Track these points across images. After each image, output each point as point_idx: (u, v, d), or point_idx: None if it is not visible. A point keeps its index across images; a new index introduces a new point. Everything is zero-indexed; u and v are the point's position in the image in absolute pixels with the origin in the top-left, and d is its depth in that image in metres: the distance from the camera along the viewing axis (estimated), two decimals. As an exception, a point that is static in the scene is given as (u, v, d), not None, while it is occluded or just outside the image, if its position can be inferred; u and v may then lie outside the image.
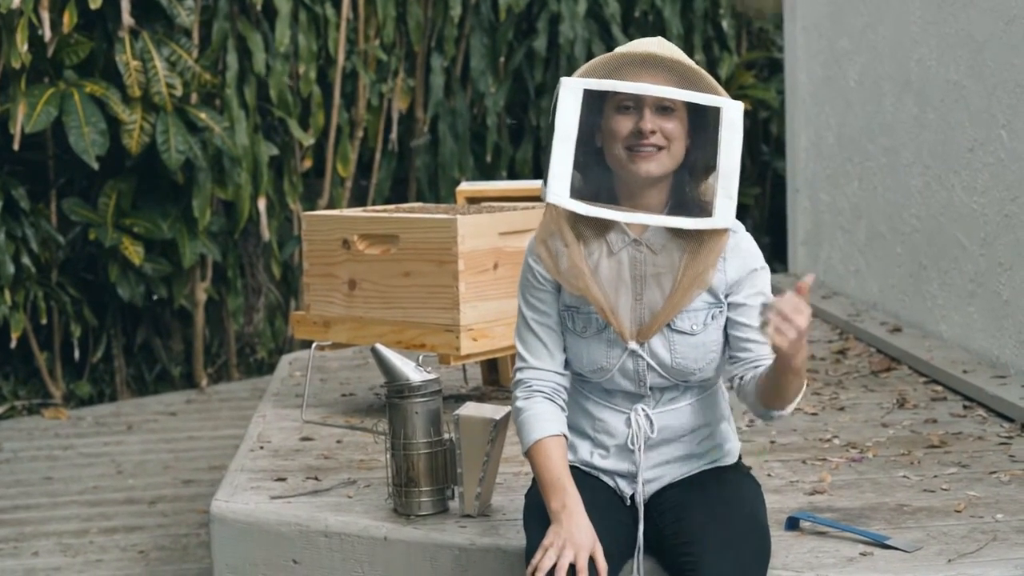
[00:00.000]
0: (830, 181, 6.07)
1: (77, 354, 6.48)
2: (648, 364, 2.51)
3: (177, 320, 6.84)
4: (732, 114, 2.42)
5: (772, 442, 3.63)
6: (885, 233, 5.34)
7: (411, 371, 3.00)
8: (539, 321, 2.58)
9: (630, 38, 7.34)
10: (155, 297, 6.51)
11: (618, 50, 2.50)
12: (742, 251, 2.52)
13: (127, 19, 6.01)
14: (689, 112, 2.46)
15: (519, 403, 2.59)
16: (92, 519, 4.71)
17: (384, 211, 4.14)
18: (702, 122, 2.46)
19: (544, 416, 2.54)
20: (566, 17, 7.12)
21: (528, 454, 2.55)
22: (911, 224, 5.05)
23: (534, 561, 2.36)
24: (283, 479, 3.37)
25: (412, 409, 2.98)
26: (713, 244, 2.46)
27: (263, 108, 6.73)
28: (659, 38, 2.52)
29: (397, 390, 2.99)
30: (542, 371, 2.58)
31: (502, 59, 7.23)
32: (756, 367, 2.50)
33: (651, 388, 2.55)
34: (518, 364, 2.62)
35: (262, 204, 6.62)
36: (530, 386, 2.58)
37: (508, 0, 7.00)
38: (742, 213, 7.87)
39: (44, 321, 6.22)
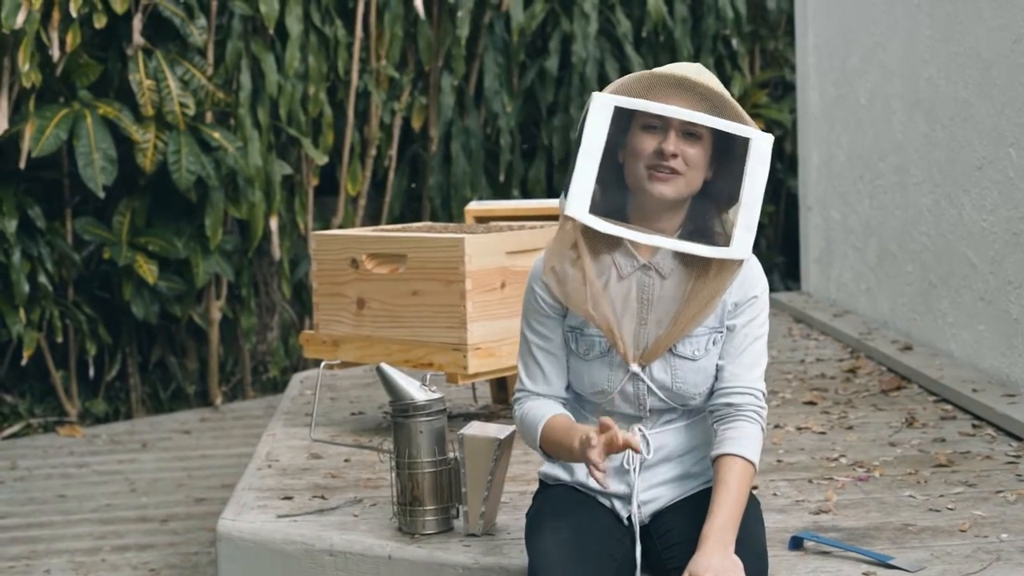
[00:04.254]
0: (841, 199, 6.07)
1: (92, 372, 6.52)
2: (649, 388, 2.52)
3: (192, 338, 6.88)
4: (761, 146, 2.41)
5: (779, 461, 3.63)
6: (895, 251, 5.34)
7: (416, 390, 3.01)
8: (540, 346, 2.59)
9: (642, 57, 7.36)
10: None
11: (653, 70, 2.50)
12: (746, 275, 2.52)
13: (137, 38, 6.05)
14: (715, 140, 2.45)
15: (516, 414, 2.62)
16: (105, 537, 4.74)
17: (392, 230, 4.16)
18: (727, 152, 2.45)
19: (539, 408, 2.57)
20: (578, 37, 7.15)
21: (541, 448, 2.56)
22: (921, 242, 5.05)
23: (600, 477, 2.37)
24: (290, 498, 3.39)
25: (417, 428, 2.99)
26: (724, 273, 2.45)
27: (276, 127, 6.77)
28: (698, 65, 2.52)
29: (402, 409, 3.00)
30: (539, 396, 2.60)
31: (515, 79, 7.26)
32: (725, 408, 2.51)
33: (650, 411, 2.55)
34: (517, 386, 2.63)
35: (274, 223, 6.66)
36: (523, 401, 2.61)
37: (520, 22, 7.03)
38: (756, 232, 7.86)
39: (60, 339, 6.26)
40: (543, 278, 2.52)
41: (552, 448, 2.54)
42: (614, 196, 2.47)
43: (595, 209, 2.42)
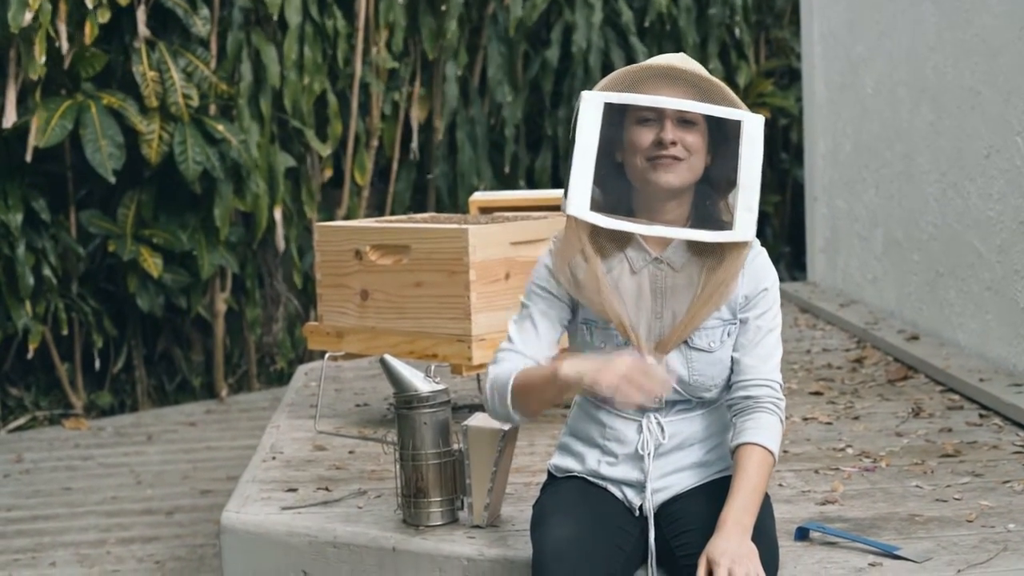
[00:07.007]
0: (847, 188, 6.05)
1: (98, 365, 6.52)
2: None
3: (197, 331, 6.88)
4: (752, 128, 2.42)
5: (785, 451, 3.61)
6: (902, 240, 5.32)
7: (419, 382, 3.00)
8: (541, 311, 2.55)
9: (647, 46, 7.34)
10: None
11: (639, 63, 2.51)
12: (756, 268, 2.53)
13: (143, 30, 6.04)
14: (710, 126, 2.47)
15: (490, 372, 2.54)
16: (110, 529, 4.74)
17: (396, 221, 4.15)
18: (723, 136, 2.47)
19: (516, 364, 2.51)
20: (581, 26, 7.12)
21: (514, 396, 2.48)
22: (928, 231, 5.03)
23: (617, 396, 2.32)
24: (294, 490, 3.38)
25: (421, 420, 2.98)
26: (733, 258, 2.46)
27: (281, 119, 6.76)
28: (682, 54, 2.53)
29: (406, 401, 2.99)
30: (522, 356, 2.54)
31: (518, 70, 7.25)
32: (744, 400, 2.50)
33: (666, 402, 2.55)
34: (503, 344, 2.58)
35: (278, 214, 6.65)
36: (502, 362, 2.54)
37: (519, 15, 7.01)
38: (762, 221, 7.86)
39: (65, 332, 6.25)
40: (557, 270, 2.52)
41: (524, 390, 2.47)
42: (617, 195, 2.48)
43: (599, 207, 2.43)
